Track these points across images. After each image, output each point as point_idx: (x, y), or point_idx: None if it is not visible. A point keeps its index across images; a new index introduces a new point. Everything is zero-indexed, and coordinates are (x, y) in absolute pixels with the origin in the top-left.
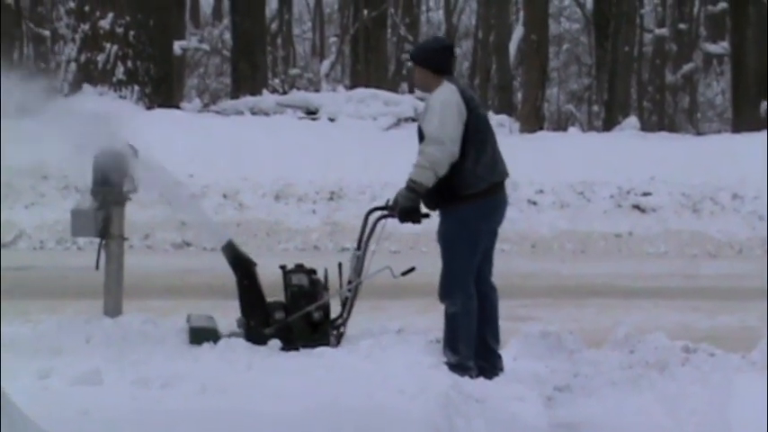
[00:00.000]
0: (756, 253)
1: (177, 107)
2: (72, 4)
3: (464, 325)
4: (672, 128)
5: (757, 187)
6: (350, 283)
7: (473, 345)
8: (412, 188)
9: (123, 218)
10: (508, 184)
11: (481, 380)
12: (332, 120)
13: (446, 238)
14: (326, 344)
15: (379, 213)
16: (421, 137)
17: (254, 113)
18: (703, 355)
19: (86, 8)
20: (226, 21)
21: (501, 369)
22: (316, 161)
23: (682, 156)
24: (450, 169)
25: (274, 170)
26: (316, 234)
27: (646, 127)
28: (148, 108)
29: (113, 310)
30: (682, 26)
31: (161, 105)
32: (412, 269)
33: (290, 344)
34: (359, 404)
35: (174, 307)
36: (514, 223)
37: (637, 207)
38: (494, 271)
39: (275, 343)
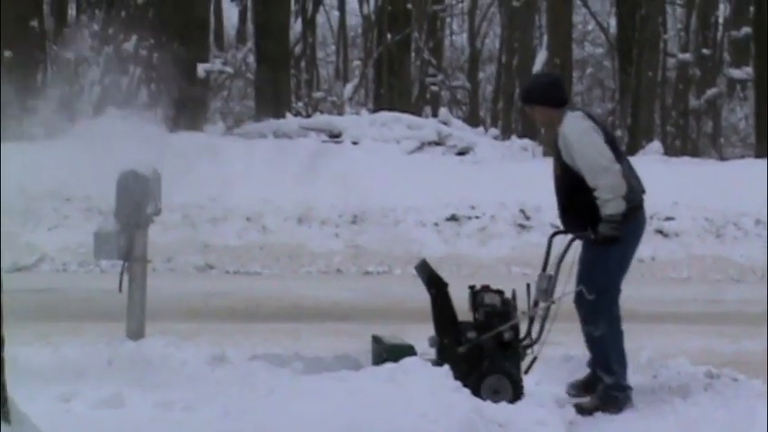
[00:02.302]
0: None
1: (201, 130)
2: (96, 27)
3: (613, 344)
4: (695, 153)
5: None
6: (536, 304)
7: (626, 362)
8: (611, 221)
9: (146, 240)
10: (530, 208)
11: (503, 404)
12: (355, 143)
13: (594, 260)
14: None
15: (570, 236)
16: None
17: (277, 137)
18: (726, 380)
19: (110, 31)
20: (250, 44)
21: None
22: (338, 184)
23: (705, 181)
24: (586, 193)
25: (297, 193)
26: (339, 257)
27: (669, 152)
28: (172, 131)
29: (136, 332)
30: (705, 51)
31: (184, 128)
32: None
33: (475, 369)
34: (380, 428)
35: (197, 330)
36: (538, 247)
37: (660, 232)
38: (516, 295)
39: (297, 366)
